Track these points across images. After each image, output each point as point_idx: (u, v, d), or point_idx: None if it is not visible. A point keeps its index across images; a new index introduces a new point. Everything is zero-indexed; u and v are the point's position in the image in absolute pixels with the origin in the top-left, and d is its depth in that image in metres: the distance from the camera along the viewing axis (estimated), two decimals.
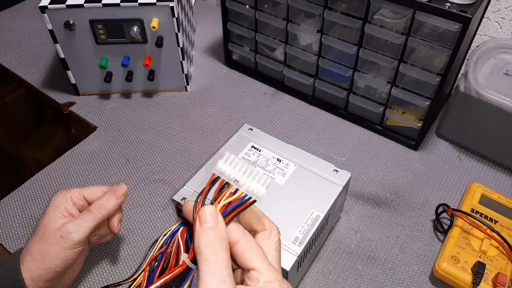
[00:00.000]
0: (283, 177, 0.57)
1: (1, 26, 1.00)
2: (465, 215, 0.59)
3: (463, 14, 0.57)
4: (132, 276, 0.55)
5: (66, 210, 0.50)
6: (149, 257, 0.54)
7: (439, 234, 0.63)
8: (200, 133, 0.77)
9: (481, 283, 0.53)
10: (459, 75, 0.80)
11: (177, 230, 0.54)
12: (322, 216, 0.53)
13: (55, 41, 0.74)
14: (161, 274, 0.52)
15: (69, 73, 0.79)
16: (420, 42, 0.62)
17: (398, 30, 0.64)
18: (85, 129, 0.78)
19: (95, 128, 0.77)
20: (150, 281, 0.53)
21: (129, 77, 0.79)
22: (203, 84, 0.86)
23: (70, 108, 0.81)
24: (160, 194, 0.67)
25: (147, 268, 0.54)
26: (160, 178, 0.70)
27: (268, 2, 0.75)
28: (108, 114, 0.80)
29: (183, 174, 0.70)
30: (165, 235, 0.55)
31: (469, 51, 0.75)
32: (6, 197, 0.67)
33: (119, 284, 0.55)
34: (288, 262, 0.48)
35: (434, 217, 0.64)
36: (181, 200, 0.54)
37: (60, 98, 0.83)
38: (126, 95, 0.84)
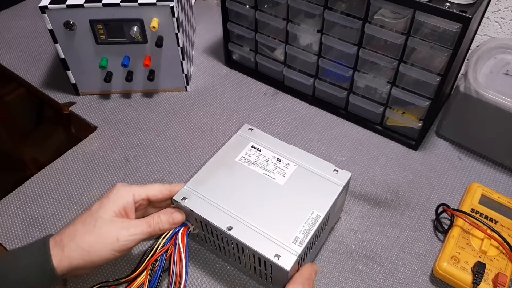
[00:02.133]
0: (283, 177, 0.57)
1: (1, 26, 1.00)
2: (465, 215, 0.59)
3: (463, 14, 0.57)
4: (130, 275, 0.55)
5: (124, 208, 0.50)
6: (150, 258, 0.54)
7: (439, 234, 0.63)
8: (200, 133, 0.77)
9: (481, 283, 0.53)
10: (459, 75, 0.80)
11: (178, 231, 0.54)
12: (322, 216, 0.53)
13: (55, 41, 0.74)
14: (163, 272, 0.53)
15: (69, 73, 0.79)
16: (420, 42, 0.62)
17: (398, 30, 0.64)
18: (85, 129, 0.78)
19: (95, 128, 0.77)
20: (153, 281, 0.53)
21: (129, 77, 0.79)
22: (203, 84, 0.86)
23: (70, 108, 0.81)
24: None
25: (149, 268, 0.54)
26: (160, 178, 0.69)
27: (268, 2, 0.75)
28: (108, 114, 0.80)
29: (183, 174, 0.70)
30: (165, 235, 0.55)
31: (469, 51, 0.75)
32: (6, 197, 0.67)
33: (116, 280, 0.55)
34: (288, 262, 0.48)
35: (434, 217, 0.64)
36: (181, 200, 0.54)
37: (60, 98, 0.83)
38: (126, 95, 0.84)
